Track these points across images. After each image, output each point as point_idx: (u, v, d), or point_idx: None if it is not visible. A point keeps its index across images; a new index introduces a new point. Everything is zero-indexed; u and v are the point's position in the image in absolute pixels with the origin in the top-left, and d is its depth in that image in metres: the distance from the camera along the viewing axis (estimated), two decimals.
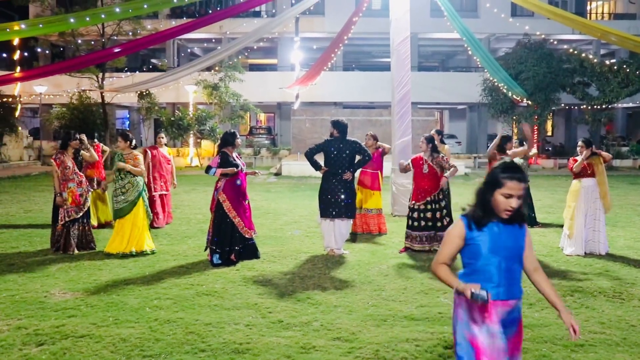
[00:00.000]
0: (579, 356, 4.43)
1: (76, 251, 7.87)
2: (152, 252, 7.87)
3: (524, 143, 9.49)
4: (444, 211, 8.13)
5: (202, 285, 6.35)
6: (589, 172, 8.08)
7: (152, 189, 9.84)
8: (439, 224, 8.05)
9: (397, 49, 11.00)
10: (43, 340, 4.74)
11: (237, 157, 7.60)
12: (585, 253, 7.98)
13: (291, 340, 4.73)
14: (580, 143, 8.28)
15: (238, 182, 7.42)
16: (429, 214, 8.04)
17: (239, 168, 7.42)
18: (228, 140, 7.59)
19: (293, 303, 5.76)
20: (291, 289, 6.25)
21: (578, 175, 8.15)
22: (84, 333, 4.87)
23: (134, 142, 8.04)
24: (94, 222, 9.31)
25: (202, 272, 6.96)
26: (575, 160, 8.18)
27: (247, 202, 7.59)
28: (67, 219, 7.86)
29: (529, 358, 4.37)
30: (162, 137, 10.53)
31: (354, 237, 8.93)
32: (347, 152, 7.79)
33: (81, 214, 7.97)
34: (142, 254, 7.77)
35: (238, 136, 7.79)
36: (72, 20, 8.50)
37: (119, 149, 8.00)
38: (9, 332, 4.92)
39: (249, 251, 7.56)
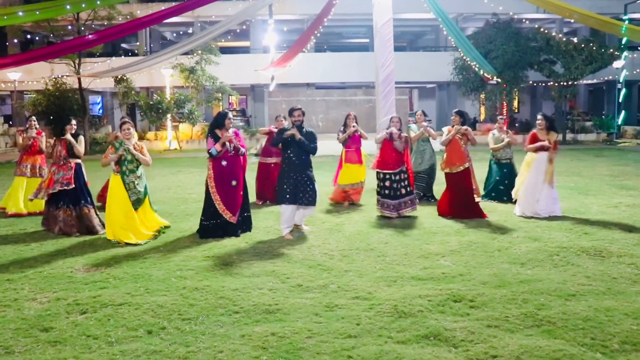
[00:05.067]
0: (573, 304, 5.00)
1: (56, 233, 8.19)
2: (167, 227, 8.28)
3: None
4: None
5: (218, 257, 6.77)
6: (545, 148, 8.97)
7: None
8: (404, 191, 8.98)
9: (380, 30, 11.46)
10: (85, 309, 5.09)
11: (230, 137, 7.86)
12: (527, 215, 8.95)
13: (314, 301, 5.21)
14: (539, 117, 9.19)
15: (224, 162, 7.73)
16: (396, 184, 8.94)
17: (225, 148, 7.70)
18: (219, 122, 7.85)
19: (306, 269, 6.24)
20: (301, 257, 6.72)
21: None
22: (122, 301, 5.24)
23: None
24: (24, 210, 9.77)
25: (213, 245, 7.36)
26: (534, 135, 9.11)
27: (234, 183, 7.76)
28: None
29: (530, 307, 4.92)
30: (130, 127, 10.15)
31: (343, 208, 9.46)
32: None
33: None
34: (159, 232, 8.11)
35: (230, 117, 7.93)
36: (68, 6, 8.71)
37: (124, 137, 7.87)
38: (50, 303, 5.27)
39: (241, 224, 7.98)
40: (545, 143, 8.90)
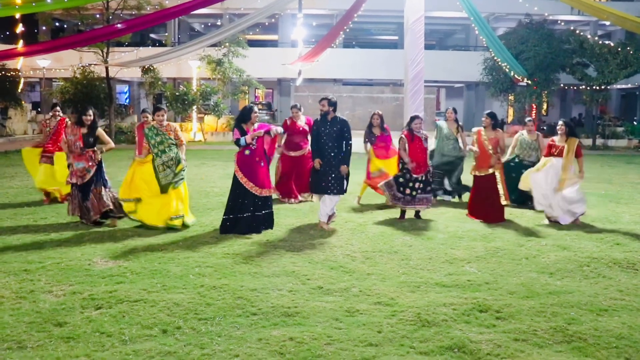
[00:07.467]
0: (605, 319, 4.77)
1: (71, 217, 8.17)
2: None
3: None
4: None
5: (238, 254, 6.63)
6: (555, 153, 8.68)
7: None
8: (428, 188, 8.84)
9: (412, 27, 11.24)
10: (100, 304, 4.99)
11: (255, 130, 7.78)
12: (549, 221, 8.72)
13: (335, 305, 5.04)
14: (560, 122, 8.89)
15: (247, 152, 7.71)
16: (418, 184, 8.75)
17: (249, 144, 7.69)
18: (245, 116, 7.84)
19: (328, 270, 6.07)
20: (323, 258, 6.55)
21: (547, 154, 8.84)
22: (138, 298, 5.13)
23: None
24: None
25: (233, 242, 7.24)
26: (551, 142, 8.82)
27: (257, 159, 7.75)
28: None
29: (560, 321, 4.70)
30: (148, 115, 9.29)
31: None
32: (336, 129, 8.01)
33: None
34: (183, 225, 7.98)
35: (256, 110, 7.92)
36: None
37: (155, 122, 7.94)
38: (66, 297, 5.18)
39: (264, 220, 7.88)
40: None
